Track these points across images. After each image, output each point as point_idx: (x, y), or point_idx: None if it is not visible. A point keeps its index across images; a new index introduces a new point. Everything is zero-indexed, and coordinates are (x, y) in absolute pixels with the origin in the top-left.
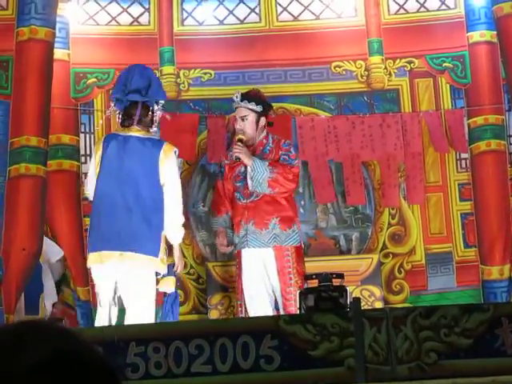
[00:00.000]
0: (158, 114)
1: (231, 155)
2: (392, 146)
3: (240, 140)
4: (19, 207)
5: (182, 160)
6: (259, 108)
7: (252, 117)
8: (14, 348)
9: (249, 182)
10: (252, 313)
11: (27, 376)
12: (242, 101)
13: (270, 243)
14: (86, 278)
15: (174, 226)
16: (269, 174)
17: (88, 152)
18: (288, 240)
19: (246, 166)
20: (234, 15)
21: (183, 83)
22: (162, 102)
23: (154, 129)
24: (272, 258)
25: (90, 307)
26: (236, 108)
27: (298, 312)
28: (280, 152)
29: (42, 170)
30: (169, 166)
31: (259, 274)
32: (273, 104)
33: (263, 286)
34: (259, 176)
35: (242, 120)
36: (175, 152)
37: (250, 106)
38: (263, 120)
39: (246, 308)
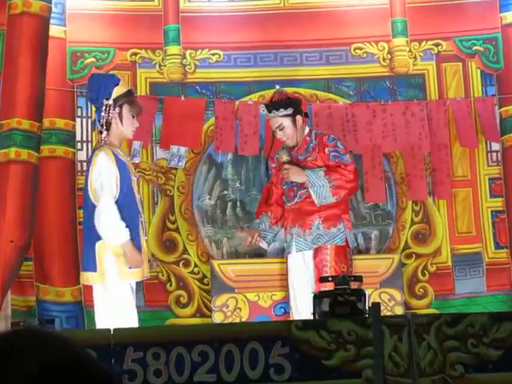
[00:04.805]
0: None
1: (281, 178)
2: (416, 135)
3: (285, 162)
4: (7, 196)
5: (186, 149)
6: (290, 110)
7: (287, 122)
8: (1, 362)
9: (314, 198)
10: (295, 318)
11: None
12: (270, 112)
13: (313, 244)
14: (77, 276)
15: None
16: (328, 184)
17: (84, 138)
18: (332, 240)
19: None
20: None
21: (189, 65)
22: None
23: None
24: (311, 257)
25: (80, 308)
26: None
27: (312, 317)
28: (326, 149)
29: (35, 156)
30: None
31: (303, 278)
32: (286, 89)
33: (308, 288)
34: (320, 190)
35: (280, 129)
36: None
37: (281, 114)
38: (299, 118)
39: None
